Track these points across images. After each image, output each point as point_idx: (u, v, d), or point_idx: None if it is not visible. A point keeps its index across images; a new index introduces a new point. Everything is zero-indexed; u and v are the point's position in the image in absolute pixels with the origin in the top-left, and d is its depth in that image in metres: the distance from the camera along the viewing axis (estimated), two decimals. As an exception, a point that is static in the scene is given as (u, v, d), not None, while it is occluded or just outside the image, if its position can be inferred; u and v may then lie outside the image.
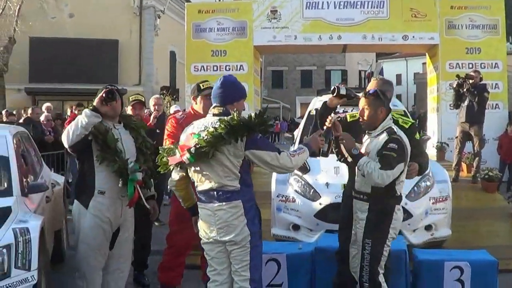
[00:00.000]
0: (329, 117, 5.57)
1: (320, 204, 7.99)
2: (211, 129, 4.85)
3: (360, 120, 5.59)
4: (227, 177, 4.89)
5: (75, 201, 5.73)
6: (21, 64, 28.47)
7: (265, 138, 5.10)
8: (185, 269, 6.98)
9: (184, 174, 5.18)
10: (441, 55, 16.30)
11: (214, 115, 5.04)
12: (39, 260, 5.00)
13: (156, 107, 9.72)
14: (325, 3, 16.50)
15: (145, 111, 9.44)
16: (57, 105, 25.88)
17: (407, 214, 7.69)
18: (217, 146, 4.80)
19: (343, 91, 5.75)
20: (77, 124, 5.36)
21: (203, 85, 6.44)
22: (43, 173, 7.76)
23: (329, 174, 8.12)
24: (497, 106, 15.74)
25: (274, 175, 8.39)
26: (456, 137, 13.25)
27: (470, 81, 12.60)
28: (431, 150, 14.83)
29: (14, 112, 16.77)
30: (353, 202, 5.62)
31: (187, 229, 5.86)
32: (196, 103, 6.47)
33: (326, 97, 6.02)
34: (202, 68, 16.67)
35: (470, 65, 15.50)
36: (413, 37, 16.41)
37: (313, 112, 8.98)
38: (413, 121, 6.35)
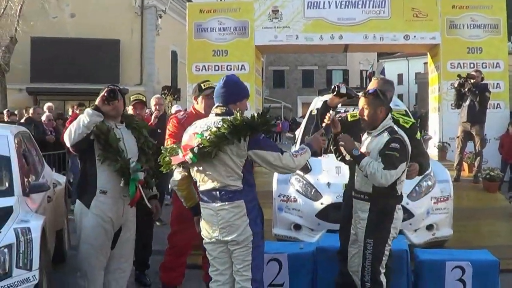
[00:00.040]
0: (328, 114, 5.57)
1: (321, 204, 7.99)
2: (214, 129, 4.85)
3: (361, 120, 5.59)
4: (230, 177, 4.89)
5: (77, 200, 5.73)
6: (23, 64, 28.50)
7: (268, 138, 5.10)
8: (187, 269, 6.96)
9: (186, 173, 5.17)
10: (442, 55, 16.29)
11: (216, 114, 5.03)
12: (41, 260, 5.00)
13: (157, 107, 9.72)
14: (327, 3, 16.49)
15: (146, 111, 9.44)
16: (58, 105, 25.92)
17: (409, 214, 7.70)
18: (220, 146, 4.80)
19: (343, 90, 5.74)
20: (79, 123, 5.37)
21: (204, 85, 6.44)
22: (44, 173, 7.76)
23: (331, 174, 8.12)
24: (498, 106, 15.73)
25: (276, 174, 8.39)
26: (458, 137, 13.24)
27: (472, 80, 12.60)
28: (432, 150, 14.81)
29: (16, 112, 16.80)
30: (353, 202, 5.61)
31: (188, 229, 5.85)
32: (197, 103, 6.46)
33: (327, 97, 6.01)
34: (204, 68, 16.67)
35: (472, 65, 15.49)
36: (415, 36, 16.40)
37: (315, 112, 8.97)
38: (414, 120, 6.34)
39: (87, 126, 5.36)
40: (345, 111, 6.87)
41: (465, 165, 13.73)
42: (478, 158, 12.91)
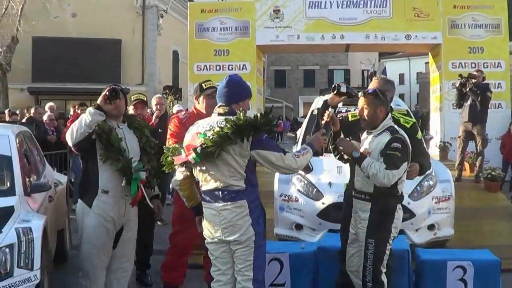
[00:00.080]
0: (327, 112, 5.57)
1: (323, 203, 7.99)
2: (217, 129, 4.83)
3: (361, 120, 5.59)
4: (233, 177, 4.88)
5: (79, 200, 5.74)
6: (24, 63, 28.54)
7: (271, 138, 5.09)
8: (188, 269, 6.96)
9: (189, 173, 5.17)
10: (444, 55, 16.29)
11: (219, 114, 5.02)
12: (42, 259, 4.99)
13: (158, 106, 9.69)
14: (328, 3, 16.50)
15: (148, 110, 9.43)
16: (60, 105, 25.94)
17: (410, 214, 7.70)
18: (223, 146, 4.79)
19: (343, 89, 5.74)
20: (81, 122, 5.37)
21: (205, 85, 6.44)
22: (45, 173, 7.76)
23: (332, 174, 8.12)
24: (500, 106, 15.72)
25: (277, 174, 8.38)
26: (459, 137, 13.23)
27: (473, 80, 12.59)
28: (434, 150, 14.80)
29: (17, 112, 16.80)
30: (354, 201, 5.61)
31: (190, 228, 5.86)
32: (198, 103, 6.46)
33: (328, 96, 6.01)
34: (205, 68, 16.67)
35: (473, 65, 15.50)
36: (416, 36, 16.40)
37: (316, 112, 8.98)
38: (414, 120, 6.33)
39: (89, 125, 5.37)
40: (346, 111, 6.86)
41: (467, 165, 13.71)
42: (480, 158, 12.90)
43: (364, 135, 5.65)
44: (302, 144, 6.47)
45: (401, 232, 6.15)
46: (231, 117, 4.88)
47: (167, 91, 28.99)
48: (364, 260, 5.41)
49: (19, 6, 25.30)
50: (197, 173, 5.06)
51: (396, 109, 6.36)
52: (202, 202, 5.11)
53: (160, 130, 8.21)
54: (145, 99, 8.17)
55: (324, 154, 5.76)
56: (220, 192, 4.91)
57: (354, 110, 6.60)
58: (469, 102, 12.65)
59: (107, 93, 5.49)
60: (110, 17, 30.57)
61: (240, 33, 16.72)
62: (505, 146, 14.93)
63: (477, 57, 15.99)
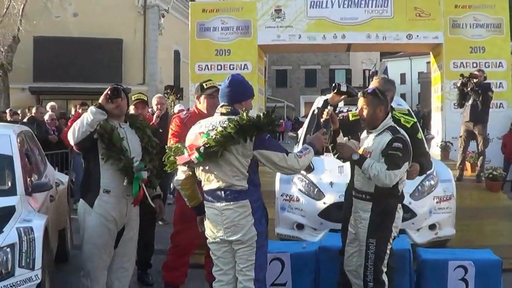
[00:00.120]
0: (326, 109, 5.57)
1: (324, 203, 7.99)
2: (220, 129, 4.83)
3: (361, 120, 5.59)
4: (235, 176, 4.87)
5: (81, 200, 5.74)
6: (25, 63, 28.57)
7: (273, 138, 5.09)
8: (189, 268, 6.96)
9: (190, 173, 5.16)
10: (445, 54, 16.29)
11: (222, 114, 5.01)
12: (43, 259, 4.99)
13: (159, 106, 9.68)
14: (329, 2, 16.52)
15: (149, 110, 9.42)
16: (61, 104, 25.96)
17: (411, 213, 7.71)
18: (226, 146, 4.79)
19: (343, 88, 5.73)
20: (83, 121, 5.38)
21: (206, 85, 6.43)
22: (47, 172, 7.76)
23: (333, 173, 8.12)
24: (501, 105, 15.71)
25: (278, 174, 8.37)
26: (460, 136, 13.24)
27: (474, 80, 12.59)
28: (435, 149, 14.81)
29: (18, 112, 16.79)
30: (354, 201, 5.60)
31: (191, 228, 5.86)
32: (199, 103, 6.46)
33: (329, 96, 6.01)
34: (206, 67, 16.68)
35: (474, 64, 15.51)
36: (417, 36, 16.41)
37: (317, 111, 8.99)
38: (415, 120, 6.33)
39: (91, 124, 5.37)
40: (347, 111, 6.86)
41: (468, 165, 13.72)
42: (481, 157, 12.91)
43: (364, 134, 5.65)
44: (303, 143, 6.46)
45: (403, 231, 6.14)
46: (234, 117, 4.87)
47: (168, 90, 28.99)
48: (365, 260, 5.41)
49: (21, 6, 25.32)
50: (199, 172, 5.06)
51: (397, 109, 6.35)
52: (204, 202, 5.10)
53: (160, 130, 8.20)
54: (145, 98, 8.16)
55: (325, 153, 5.75)
56: (223, 192, 4.91)
57: (355, 109, 6.60)
58: (470, 101, 12.66)
59: (109, 92, 5.49)
60: (112, 17, 30.59)
61: (241, 33, 16.73)
62: (506, 146, 14.92)
63: (478, 56, 15.99)
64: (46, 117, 13.78)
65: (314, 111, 10.01)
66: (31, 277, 4.80)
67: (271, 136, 5.00)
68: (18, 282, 4.73)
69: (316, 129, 5.70)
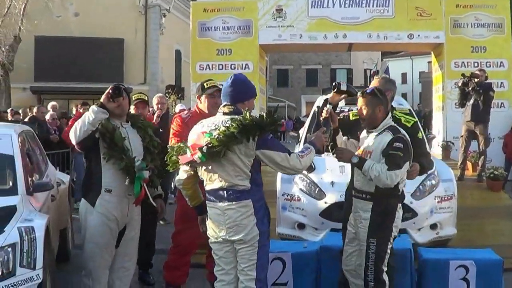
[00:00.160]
0: (326, 108, 5.57)
1: (325, 203, 7.99)
2: (223, 128, 4.82)
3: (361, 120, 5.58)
4: (238, 176, 4.87)
5: (82, 199, 5.74)
6: (27, 63, 28.60)
7: (275, 138, 5.09)
8: (190, 268, 6.96)
9: (192, 172, 5.16)
10: (446, 54, 16.27)
11: (224, 113, 5.01)
12: (44, 258, 5.00)
13: (160, 105, 9.66)
14: (331, 2, 16.49)
15: (149, 109, 9.42)
16: (62, 104, 25.96)
17: (412, 213, 7.71)
18: (229, 145, 4.78)
19: (343, 87, 5.72)
20: (84, 121, 5.38)
21: (207, 84, 6.43)
22: (48, 172, 7.76)
23: (334, 173, 8.11)
24: (502, 105, 15.69)
25: (279, 173, 8.37)
26: (462, 136, 13.24)
27: (476, 79, 12.60)
28: (436, 149, 14.82)
29: (20, 111, 16.79)
30: (354, 201, 5.60)
31: (192, 228, 5.86)
32: (200, 102, 6.46)
33: (330, 95, 6.01)
34: (208, 67, 16.67)
35: (476, 64, 15.49)
36: (419, 35, 16.38)
37: (317, 110, 8.99)
38: (415, 119, 6.32)
39: (92, 123, 5.37)
40: (348, 110, 6.85)
41: (469, 164, 13.72)
42: (482, 157, 12.92)
43: (364, 133, 5.64)
44: (304, 143, 6.46)
45: (404, 231, 6.13)
46: (237, 116, 4.87)
47: (169, 90, 28.98)
48: (366, 260, 5.40)
49: (22, 6, 25.34)
50: (201, 172, 5.05)
51: (398, 108, 6.35)
52: (207, 201, 5.10)
53: (161, 130, 8.19)
54: (146, 98, 8.15)
55: (326, 153, 5.75)
56: (225, 192, 4.91)
57: (356, 109, 6.60)
58: (471, 101, 12.66)
59: (110, 91, 5.49)
60: (113, 17, 30.62)
61: (242, 33, 16.72)
62: (507, 146, 14.90)
63: (479, 56, 15.97)
64: (47, 116, 13.79)
65: (315, 110, 10.01)
66: (32, 276, 4.80)
67: (273, 136, 5.01)
68: (19, 282, 4.74)
69: (316, 128, 5.70)
